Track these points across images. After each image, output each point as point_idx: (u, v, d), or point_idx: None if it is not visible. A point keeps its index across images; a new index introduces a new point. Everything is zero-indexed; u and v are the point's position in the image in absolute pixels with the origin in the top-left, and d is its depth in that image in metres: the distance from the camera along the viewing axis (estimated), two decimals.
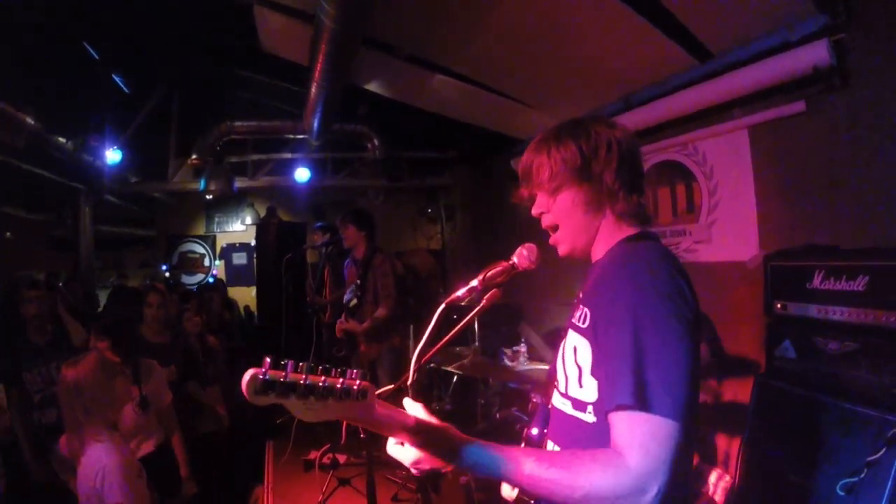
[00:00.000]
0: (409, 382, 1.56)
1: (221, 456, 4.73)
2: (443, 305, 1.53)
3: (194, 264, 10.62)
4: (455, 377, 4.29)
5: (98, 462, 2.54)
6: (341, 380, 1.04)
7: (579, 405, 1.37)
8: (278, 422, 5.51)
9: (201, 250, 10.64)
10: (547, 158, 1.47)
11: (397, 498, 4.01)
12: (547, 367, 4.82)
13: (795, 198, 3.33)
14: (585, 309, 1.38)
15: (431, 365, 3.59)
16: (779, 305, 2.67)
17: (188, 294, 7.40)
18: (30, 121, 4.88)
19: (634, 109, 4.45)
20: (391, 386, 1.70)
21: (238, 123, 6.71)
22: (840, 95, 3.05)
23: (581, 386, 1.36)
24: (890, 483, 1.98)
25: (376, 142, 7.03)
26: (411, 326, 4.77)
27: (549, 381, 1.58)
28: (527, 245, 1.63)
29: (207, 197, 8.12)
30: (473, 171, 8.61)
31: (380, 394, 1.78)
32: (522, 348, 4.48)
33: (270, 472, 4.48)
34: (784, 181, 3.41)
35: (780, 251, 2.84)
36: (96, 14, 4.99)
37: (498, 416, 3.85)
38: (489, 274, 1.59)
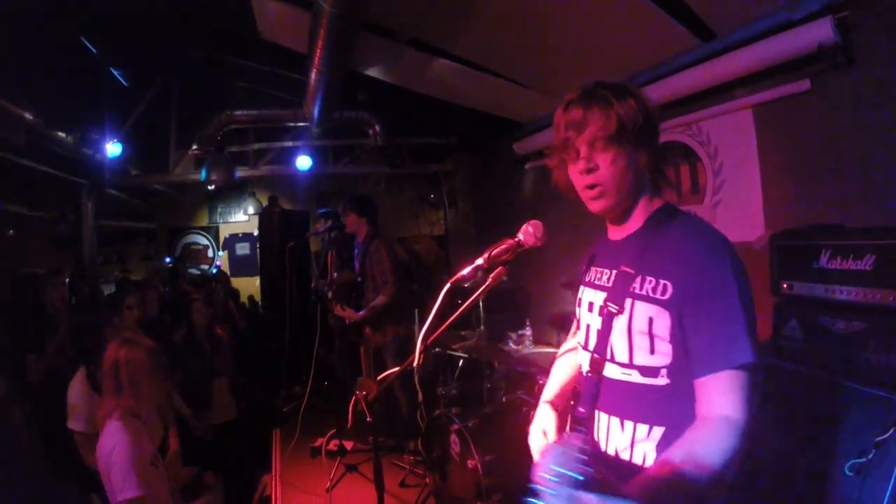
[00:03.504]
0: (415, 365, 1.56)
1: (230, 446, 4.75)
2: (448, 284, 1.52)
3: (198, 256, 10.62)
4: (461, 361, 4.30)
5: (110, 441, 2.56)
6: None
7: (650, 371, 1.41)
8: (285, 410, 5.55)
9: (204, 241, 10.64)
10: (612, 110, 1.42)
11: (405, 483, 4.04)
12: (553, 350, 4.82)
13: (801, 177, 3.31)
14: (662, 280, 1.39)
15: (437, 349, 3.59)
16: (785, 285, 2.65)
17: (195, 283, 7.42)
18: (28, 116, 4.86)
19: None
20: (397, 369, 1.70)
21: (238, 113, 6.67)
22: (845, 73, 3.01)
23: (653, 353, 1.40)
24: None
25: (377, 128, 7.00)
26: (416, 312, 4.77)
27: (594, 359, 1.54)
28: (532, 222, 1.61)
29: (209, 187, 8.09)
30: (475, 157, 8.59)
31: (385, 377, 1.79)
32: (528, 332, 4.48)
33: (278, 461, 4.50)
34: (789, 160, 3.38)
35: (786, 231, 2.82)
36: (93, 7, 4.96)
37: (504, 399, 3.85)
38: (495, 252, 1.57)
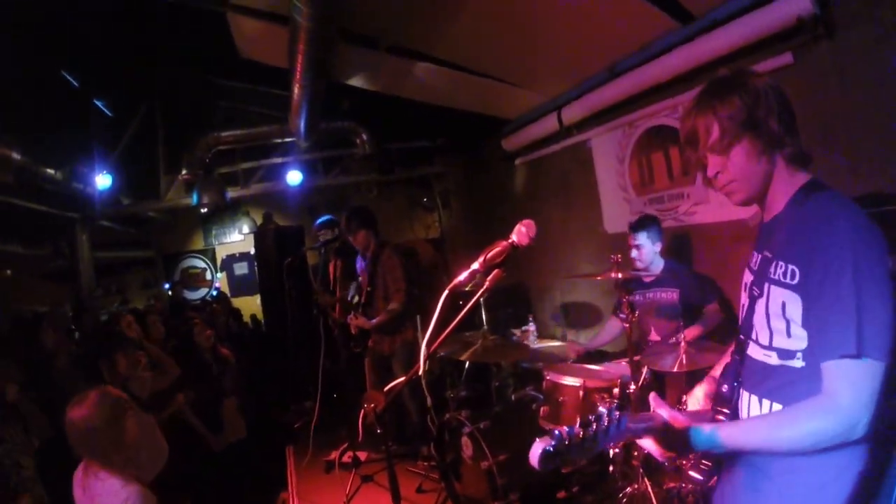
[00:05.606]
0: (420, 373, 1.56)
1: (244, 465, 4.74)
2: (446, 292, 1.52)
3: (196, 279, 10.58)
4: (467, 363, 4.30)
5: (116, 496, 2.37)
6: (605, 421, 1.24)
7: (787, 354, 1.45)
8: (296, 426, 5.54)
9: (202, 264, 10.60)
10: (714, 118, 1.48)
11: (422, 489, 4.03)
12: (558, 343, 4.83)
13: None
14: (790, 265, 1.42)
15: (441, 354, 3.58)
16: None
17: (196, 308, 7.42)
18: (16, 156, 4.85)
19: (620, 77, 4.42)
20: (403, 378, 1.70)
21: (224, 133, 6.67)
22: (826, 44, 3.02)
23: (790, 336, 1.43)
24: None
25: (364, 136, 7.01)
26: (418, 317, 4.77)
27: (740, 339, 1.64)
28: (525, 222, 1.60)
29: (202, 210, 8.07)
30: (465, 157, 8.60)
31: (391, 387, 1.79)
32: (531, 328, 4.48)
33: (293, 477, 4.51)
34: None
35: None
36: (72, 42, 4.96)
37: (513, 397, 3.85)
38: (490, 255, 1.58)
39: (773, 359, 1.49)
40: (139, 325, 5.06)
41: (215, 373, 5.03)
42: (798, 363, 1.43)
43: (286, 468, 4.71)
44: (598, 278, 3.26)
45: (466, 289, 1.60)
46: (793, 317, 1.42)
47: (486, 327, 3.79)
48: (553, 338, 5.55)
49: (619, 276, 3.08)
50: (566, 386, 3.19)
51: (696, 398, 1.84)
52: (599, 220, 5.34)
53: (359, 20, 4.35)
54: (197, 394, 4.57)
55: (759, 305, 1.53)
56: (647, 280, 3.85)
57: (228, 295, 9.94)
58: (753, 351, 1.57)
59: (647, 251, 3.74)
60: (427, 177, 9.13)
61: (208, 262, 10.57)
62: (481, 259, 1.57)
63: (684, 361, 3.00)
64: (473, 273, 1.56)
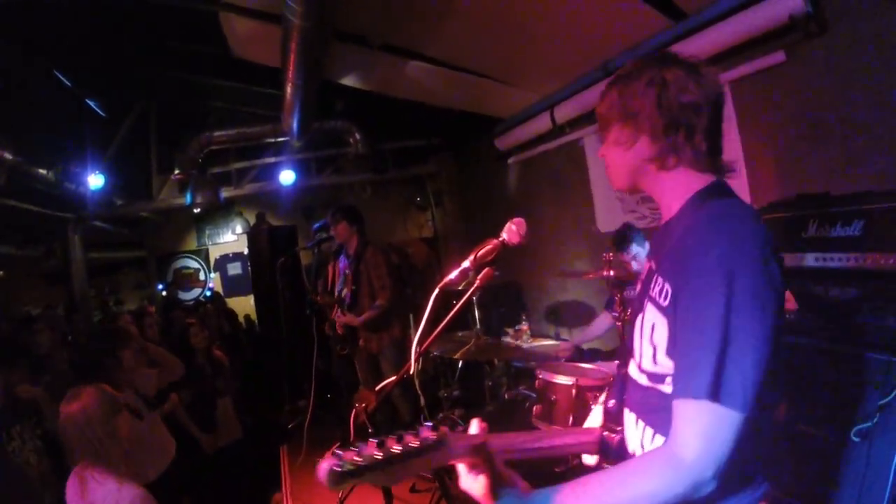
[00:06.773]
0: (411, 372, 1.55)
1: (239, 466, 4.73)
2: (437, 290, 1.51)
3: (190, 279, 10.55)
4: (460, 362, 4.29)
5: (114, 498, 2.35)
6: (417, 440, 1.02)
7: (657, 378, 1.30)
8: (290, 427, 5.53)
9: (195, 265, 10.57)
10: (611, 97, 1.40)
11: (415, 489, 4.02)
12: (551, 342, 4.82)
13: (783, 149, 3.32)
14: (665, 284, 1.25)
15: (434, 353, 3.58)
16: None
17: (188, 309, 7.40)
18: (8, 156, 4.82)
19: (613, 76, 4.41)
20: (394, 378, 1.69)
21: (217, 133, 6.64)
22: (819, 42, 3.03)
23: (656, 363, 1.29)
24: None
25: (357, 136, 6.99)
26: (411, 316, 4.76)
27: (624, 350, 1.53)
28: (515, 220, 1.60)
29: (195, 210, 8.05)
30: (458, 156, 8.60)
31: (382, 387, 1.78)
32: (524, 326, 4.48)
33: (287, 477, 4.50)
34: (770, 133, 3.39)
35: (772, 203, 2.81)
36: (65, 41, 4.93)
37: (506, 396, 3.85)
38: (480, 253, 1.56)
39: (644, 380, 1.34)
40: (136, 325, 5.06)
41: (209, 374, 5.02)
42: (667, 388, 1.25)
43: (280, 468, 4.70)
44: (591, 277, 3.26)
45: (459, 288, 1.59)
46: (658, 343, 1.27)
47: (478, 326, 3.79)
48: (546, 336, 5.55)
49: (612, 273, 3.08)
50: (559, 385, 3.19)
51: (597, 414, 1.67)
52: (592, 218, 5.34)
53: (352, 19, 4.33)
54: (191, 395, 4.56)
55: (638, 322, 1.38)
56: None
57: (222, 295, 9.92)
58: (631, 368, 1.42)
59: (642, 257, 3.76)
60: (420, 176, 9.13)
61: (202, 262, 10.54)
62: (472, 257, 1.56)
63: None
64: (464, 271, 1.55)
